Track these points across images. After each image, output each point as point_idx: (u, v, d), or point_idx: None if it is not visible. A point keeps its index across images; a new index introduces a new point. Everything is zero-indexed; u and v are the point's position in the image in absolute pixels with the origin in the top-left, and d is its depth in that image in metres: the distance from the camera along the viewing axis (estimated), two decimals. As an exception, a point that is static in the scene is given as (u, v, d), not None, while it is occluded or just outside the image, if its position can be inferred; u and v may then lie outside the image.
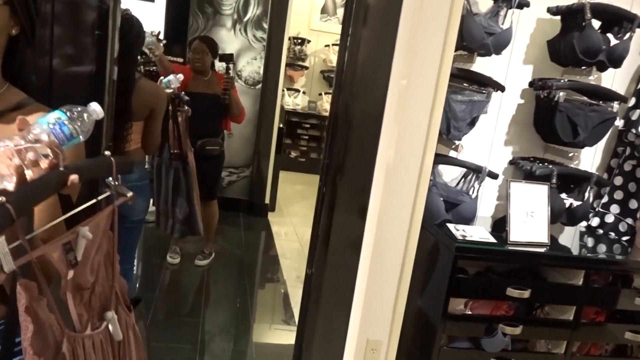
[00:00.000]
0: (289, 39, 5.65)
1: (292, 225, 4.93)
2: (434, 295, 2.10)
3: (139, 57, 4.03)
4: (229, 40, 4.45)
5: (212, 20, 4.44)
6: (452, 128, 2.17)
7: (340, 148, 1.88)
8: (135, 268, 3.67)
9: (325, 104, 6.95)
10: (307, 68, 6.89)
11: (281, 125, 5.00)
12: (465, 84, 2.19)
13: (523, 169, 2.33)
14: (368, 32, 1.79)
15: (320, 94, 6.98)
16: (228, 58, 3.42)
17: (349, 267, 1.86)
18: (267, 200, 4.97)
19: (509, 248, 2.06)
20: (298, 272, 3.89)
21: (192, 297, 3.42)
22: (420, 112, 1.82)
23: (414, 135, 1.83)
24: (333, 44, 6.83)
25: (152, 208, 4.49)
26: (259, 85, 4.65)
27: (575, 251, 2.33)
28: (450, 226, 2.11)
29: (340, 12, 6.87)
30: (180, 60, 4.21)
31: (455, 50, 1.90)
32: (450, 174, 2.34)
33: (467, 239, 2.02)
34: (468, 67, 2.22)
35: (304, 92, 6.94)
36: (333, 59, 6.89)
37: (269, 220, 4.92)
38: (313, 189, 6.33)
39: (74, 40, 1.74)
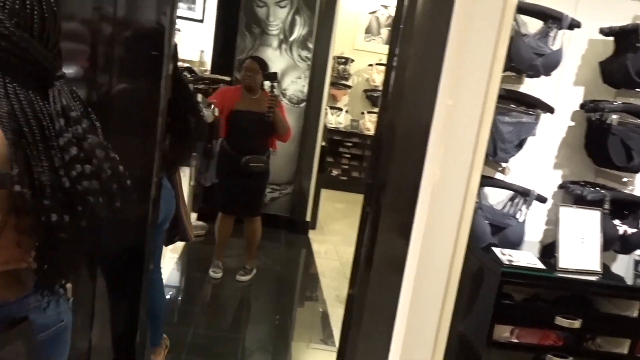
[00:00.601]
0: (333, 58, 5.71)
1: (332, 244, 4.93)
2: (478, 321, 2.04)
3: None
4: (274, 59, 4.54)
5: (259, 40, 4.55)
6: (499, 150, 2.13)
7: (384, 167, 1.88)
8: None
9: (367, 123, 6.96)
10: (350, 87, 6.94)
11: (324, 144, 5.04)
12: (512, 105, 2.15)
13: (573, 194, 2.26)
14: (415, 52, 1.79)
15: (363, 113, 7.00)
16: (272, 77, 3.49)
17: (392, 287, 1.84)
18: (308, 218, 4.99)
19: (558, 275, 1.99)
20: (337, 292, 3.87)
21: (233, 312, 3.45)
22: (467, 132, 1.79)
23: (460, 156, 1.81)
24: (376, 64, 6.86)
25: (199, 223, 4.59)
26: (303, 104, 4.71)
27: (629, 281, 2.22)
28: (496, 250, 2.06)
29: (384, 32, 6.91)
30: (228, 78, 4.32)
31: (504, 71, 1.88)
32: (496, 197, 2.29)
33: (513, 263, 1.96)
34: (516, 88, 2.19)
35: (346, 111, 6.98)
36: (376, 78, 6.92)
37: (310, 237, 4.93)
38: (354, 207, 6.33)
39: (131, 59, 1.83)
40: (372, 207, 1.92)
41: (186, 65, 4.20)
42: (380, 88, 6.95)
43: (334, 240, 5.05)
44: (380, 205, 1.89)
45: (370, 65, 6.91)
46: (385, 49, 6.73)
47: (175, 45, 2.33)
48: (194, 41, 5.89)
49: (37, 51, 0.89)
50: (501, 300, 1.95)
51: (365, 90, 7.03)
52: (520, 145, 2.15)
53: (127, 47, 1.81)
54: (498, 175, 2.25)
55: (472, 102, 1.78)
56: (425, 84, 1.78)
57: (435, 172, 1.78)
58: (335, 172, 6.93)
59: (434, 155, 1.78)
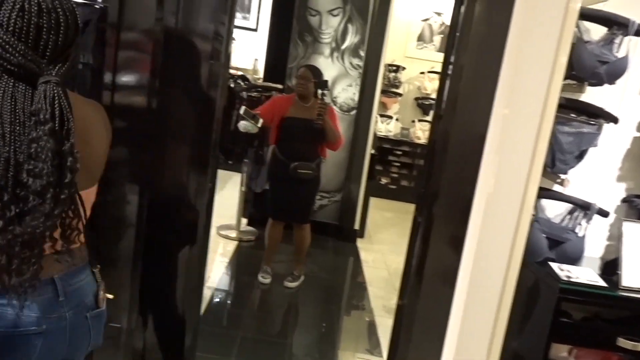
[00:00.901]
0: (384, 66, 5.69)
1: (380, 253, 4.88)
2: (533, 338, 1.97)
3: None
4: (326, 67, 4.57)
5: (311, 48, 4.59)
6: (558, 161, 2.05)
7: (437, 177, 1.85)
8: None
9: (418, 131, 6.88)
10: (400, 95, 6.88)
11: (373, 152, 5.01)
12: (573, 115, 2.07)
13: (638, 208, 2.14)
14: (471, 60, 1.76)
15: (414, 121, 6.93)
16: (323, 85, 3.50)
17: (443, 300, 1.81)
18: (356, 226, 4.97)
19: (621, 294, 1.89)
20: (385, 301, 3.83)
21: (281, 318, 3.47)
22: (524, 142, 1.74)
23: (516, 166, 1.76)
24: (428, 71, 6.78)
25: (249, 228, 4.67)
26: (354, 112, 4.71)
27: (700, 302, 2.08)
28: (554, 265, 1.98)
29: (437, 39, 6.82)
30: (280, 86, 4.38)
31: (564, 80, 1.81)
32: (554, 210, 2.20)
33: (572, 280, 1.88)
34: (577, 97, 2.10)
35: (397, 119, 6.93)
36: (428, 86, 6.83)
37: (358, 246, 4.91)
38: (403, 216, 6.26)
39: (191, 68, 1.89)
40: (424, 217, 1.89)
41: (240, 73, 4.29)
42: (432, 96, 6.85)
43: (382, 249, 5.00)
44: (432, 215, 1.86)
45: (422, 73, 6.83)
46: (438, 56, 6.69)
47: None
48: (248, 50, 6.03)
49: (20, 56, 0.99)
50: (559, 318, 1.87)
51: (417, 98, 6.96)
52: (580, 156, 2.06)
53: (186, 56, 1.87)
54: (556, 187, 2.16)
55: (530, 111, 1.73)
56: (481, 92, 1.74)
57: (490, 182, 1.74)
58: (384, 181, 6.88)
59: (489, 165, 1.73)
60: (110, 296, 1.35)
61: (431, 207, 1.87)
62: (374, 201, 5.45)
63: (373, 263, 4.60)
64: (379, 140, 6.61)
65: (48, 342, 1.12)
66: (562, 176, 2.11)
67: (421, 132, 6.87)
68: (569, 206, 2.16)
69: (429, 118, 6.90)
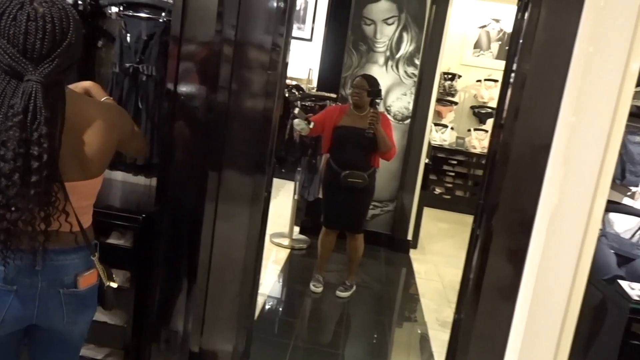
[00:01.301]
0: (439, 74, 5.61)
1: (433, 264, 4.78)
2: (600, 360, 1.86)
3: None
4: (380, 76, 4.52)
5: (366, 57, 4.59)
6: (628, 173, 1.95)
7: (498, 188, 1.79)
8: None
9: (474, 141, 6.71)
10: (456, 103, 6.75)
11: (427, 161, 4.93)
12: (646, 124, 1.96)
13: None
14: (535, 67, 1.69)
15: (469, 130, 6.77)
16: (375, 94, 3.47)
17: (502, 316, 1.74)
18: (409, 237, 4.89)
19: (701, 316, 1.75)
20: (438, 314, 3.74)
21: (332, 328, 3.46)
22: (592, 153, 1.66)
23: (583, 178, 1.67)
24: (485, 79, 6.62)
25: (301, 236, 4.70)
26: (408, 121, 4.66)
27: None
28: (623, 283, 1.87)
29: (495, 46, 6.65)
30: (333, 95, 4.39)
31: (637, 86, 1.71)
32: (623, 224, 2.08)
33: (645, 300, 1.76)
34: (651, 105, 1.99)
35: (452, 128, 6.79)
36: (484, 94, 6.67)
37: (411, 257, 4.83)
38: (457, 227, 6.11)
39: (248, 79, 1.92)
40: (483, 229, 1.83)
41: (294, 83, 4.34)
42: (489, 104, 6.68)
43: (436, 260, 4.89)
44: (491, 228, 1.80)
45: (479, 81, 6.68)
46: (495, 64, 6.54)
47: None
48: (303, 59, 6.09)
49: (9, 58, 1.17)
50: (629, 340, 1.76)
51: (473, 107, 6.80)
52: (654, 168, 1.95)
53: (244, 67, 1.90)
54: (626, 201, 2.04)
55: (599, 119, 1.65)
56: (546, 101, 1.67)
57: (554, 194, 1.66)
58: (438, 191, 6.75)
59: (554, 176, 1.66)
60: (114, 285, 1.48)
61: (490, 219, 1.81)
62: (427, 211, 5.35)
63: (426, 275, 4.51)
64: (434, 149, 6.49)
65: (17, 302, 1.30)
66: (633, 189, 2.00)
67: (477, 142, 6.70)
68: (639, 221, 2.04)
69: (486, 127, 6.72)
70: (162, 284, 2.15)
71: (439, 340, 3.33)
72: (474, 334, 1.85)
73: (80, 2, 2.05)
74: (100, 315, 2.22)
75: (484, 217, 1.84)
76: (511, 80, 1.78)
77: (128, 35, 2.07)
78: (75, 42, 1.25)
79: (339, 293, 3.73)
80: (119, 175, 2.39)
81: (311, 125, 3.51)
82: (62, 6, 1.24)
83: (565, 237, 1.68)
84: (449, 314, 3.77)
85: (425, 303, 3.90)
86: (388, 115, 4.62)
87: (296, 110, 3.64)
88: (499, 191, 1.77)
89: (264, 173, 2.00)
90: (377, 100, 3.50)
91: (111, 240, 2.12)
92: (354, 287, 3.82)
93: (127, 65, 2.06)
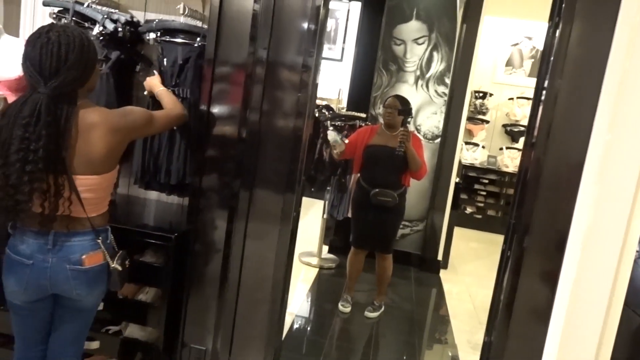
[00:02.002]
0: (470, 92, 5.57)
1: (464, 285, 4.69)
2: (640, 388, 1.78)
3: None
4: (410, 95, 4.53)
5: (395, 77, 4.60)
6: (667, 192, 1.88)
7: (529, 207, 1.76)
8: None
9: (505, 159, 6.61)
10: (487, 122, 6.68)
11: (458, 180, 4.87)
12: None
13: None
14: (567, 84, 1.68)
15: (501, 149, 6.68)
16: (406, 112, 3.47)
17: (535, 339, 1.69)
18: (439, 257, 4.82)
19: None
20: (469, 336, 3.65)
21: (361, 348, 3.42)
22: (627, 170, 1.62)
23: (618, 196, 1.63)
24: (518, 97, 6.54)
25: (330, 256, 4.69)
26: (438, 140, 4.64)
27: None
28: (664, 307, 1.80)
29: (527, 64, 6.58)
30: (363, 115, 4.41)
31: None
32: (663, 246, 2.01)
33: (686, 325, 1.69)
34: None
35: (483, 147, 6.71)
36: (517, 112, 6.58)
37: (441, 277, 4.75)
38: (489, 247, 5.99)
39: (280, 99, 1.96)
40: (514, 250, 1.80)
41: (324, 103, 4.38)
42: (521, 122, 6.59)
43: (467, 281, 4.80)
44: (522, 248, 1.77)
45: (511, 99, 6.60)
46: (528, 81, 6.47)
47: None
48: (333, 79, 6.16)
49: (29, 76, 1.52)
50: (670, 366, 1.69)
51: (505, 125, 6.72)
52: (694, 187, 1.88)
53: (275, 88, 1.94)
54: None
55: (634, 136, 1.61)
56: (579, 118, 1.65)
57: (588, 214, 1.63)
58: (469, 210, 6.65)
59: (588, 195, 1.63)
60: (119, 267, 1.70)
61: (522, 239, 1.78)
62: (458, 231, 5.27)
63: (457, 295, 4.43)
64: (464, 168, 6.43)
65: (34, 273, 1.60)
66: (672, 209, 1.93)
67: (509, 160, 6.60)
68: (680, 243, 1.97)
69: (518, 145, 6.62)
70: (192, 302, 2.18)
71: (470, 362, 3.26)
72: (505, 357, 1.80)
73: (120, 30, 2.14)
74: (133, 331, 2.27)
75: (514, 236, 1.81)
76: (542, 97, 1.76)
77: (165, 59, 2.14)
78: (78, 62, 1.52)
79: (367, 313, 3.70)
80: (153, 195, 2.46)
81: (346, 141, 3.52)
82: (72, 33, 1.53)
83: (600, 258, 1.64)
84: (480, 336, 3.66)
85: (456, 325, 3.83)
86: (418, 135, 4.61)
87: (330, 127, 3.68)
88: (530, 211, 1.74)
89: (294, 192, 2.02)
90: (408, 120, 3.50)
91: (145, 259, 2.18)
92: (383, 308, 3.78)
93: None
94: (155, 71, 2.17)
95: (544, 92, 1.76)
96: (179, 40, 2.12)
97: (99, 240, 1.65)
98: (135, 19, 2.26)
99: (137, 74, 2.34)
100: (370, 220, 3.55)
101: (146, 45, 2.29)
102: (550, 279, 1.66)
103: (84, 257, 1.63)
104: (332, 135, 3.60)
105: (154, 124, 1.81)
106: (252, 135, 2.02)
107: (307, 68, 1.91)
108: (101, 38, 2.13)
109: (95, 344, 2.22)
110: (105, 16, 2.15)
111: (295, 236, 2.27)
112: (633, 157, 1.61)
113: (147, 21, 2.25)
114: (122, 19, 2.18)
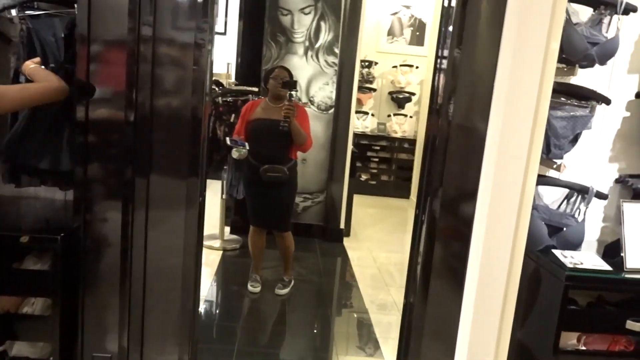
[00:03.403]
0: (358, 62, 5.65)
1: (367, 250, 4.84)
2: (541, 329, 1.94)
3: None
4: (300, 67, 4.49)
5: (285, 48, 4.51)
6: (553, 146, 2.03)
7: (438, 172, 1.80)
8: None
9: (394, 125, 6.87)
10: (374, 90, 6.86)
11: (354, 149, 4.95)
12: (563, 99, 2.05)
13: (633, 188, 2.14)
14: (465, 52, 1.71)
15: (389, 116, 6.92)
16: (290, 85, 3.36)
17: (453, 296, 1.76)
18: (342, 225, 4.91)
19: (627, 276, 1.87)
20: (377, 299, 3.78)
21: (275, 327, 3.39)
22: (522, 131, 1.70)
23: (515, 156, 1.72)
24: (401, 65, 6.77)
25: (233, 236, 4.56)
26: (331, 110, 4.65)
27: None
28: (557, 252, 1.95)
29: (407, 32, 6.81)
30: (255, 89, 4.28)
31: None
32: (551, 196, 2.18)
33: (578, 267, 1.85)
34: (567, 80, 2.08)
35: (372, 115, 6.90)
36: (401, 79, 6.82)
37: (345, 245, 4.85)
38: (385, 212, 6.21)
39: (172, 78, 1.78)
40: (427, 214, 1.84)
41: (213, 78, 4.17)
42: (406, 89, 6.85)
43: (369, 246, 4.96)
44: (434, 211, 1.81)
45: (395, 67, 6.82)
46: (409, 49, 6.70)
47: None
48: (219, 54, 5.89)
49: None
50: (566, 306, 1.84)
51: (391, 93, 6.95)
52: (575, 140, 2.05)
53: (167, 66, 1.77)
54: (552, 173, 2.14)
55: (526, 99, 1.69)
56: (478, 84, 1.69)
57: (491, 174, 1.70)
58: (364, 177, 6.85)
59: (491, 157, 1.69)
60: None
61: (433, 203, 1.82)
62: (356, 198, 5.40)
63: (360, 261, 4.55)
64: (356, 137, 6.57)
65: None
66: (558, 161, 2.09)
67: (397, 126, 6.87)
68: (565, 191, 2.15)
69: (405, 111, 6.90)
70: (89, 306, 1.98)
71: (381, 323, 3.37)
72: (426, 316, 1.86)
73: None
74: (22, 349, 2.01)
75: (426, 201, 1.85)
76: (443, 66, 1.78)
77: (38, 37, 1.86)
78: None
79: (278, 291, 3.66)
80: (30, 192, 2.16)
81: (247, 146, 3.33)
82: None
83: (504, 213, 1.72)
84: (384, 296, 3.83)
85: (364, 289, 3.93)
86: (311, 106, 4.58)
87: (228, 141, 3.45)
88: (439, 175, 1.78)
89: (198, 176, 1.88)
90: (292, 92, 3.37)
91: (26, 266, 1.92)
92: (292, 282, 3.76)
93: (52, 66, 1.87)
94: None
95: (443, 60, 1.78)
96: (51, 11, 1.85)
97: None
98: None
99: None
100: (263, 198, 3.44)
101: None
102: (463, 238, 1.72)
103: None
104: (235, 154, 3.38)
105: (3, 98, 1.61)
106: (142, 118, 1.83)
107: (199, 43, 1.75)
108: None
109: (-24, 369, 1.93)
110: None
111: (202, 221, 2.13)
112: (525, 118, 1.69)
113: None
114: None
